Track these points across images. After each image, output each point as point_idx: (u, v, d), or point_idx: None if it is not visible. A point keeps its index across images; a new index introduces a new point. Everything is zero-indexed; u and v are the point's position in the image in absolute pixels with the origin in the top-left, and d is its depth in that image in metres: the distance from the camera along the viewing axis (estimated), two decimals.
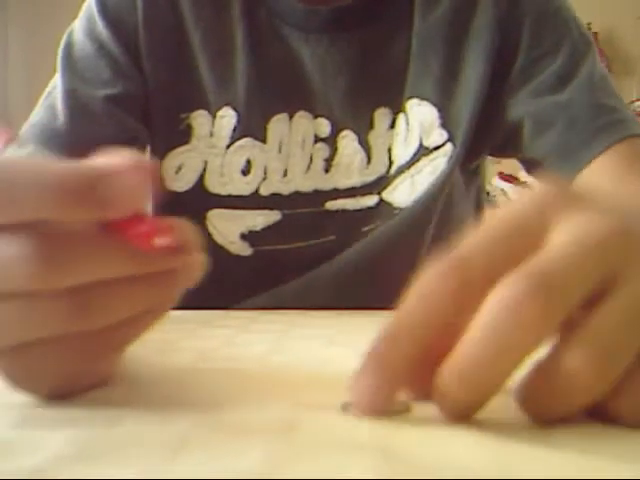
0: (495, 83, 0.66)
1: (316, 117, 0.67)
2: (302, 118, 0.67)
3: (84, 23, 0.68)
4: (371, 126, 0.67)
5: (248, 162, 0.66)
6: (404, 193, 0.67)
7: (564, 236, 0.24)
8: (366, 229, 0.67)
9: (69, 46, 0.68)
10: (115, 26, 0.67)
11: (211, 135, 0.66)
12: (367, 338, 0.24)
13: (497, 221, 0.25)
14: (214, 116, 0.66)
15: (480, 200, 0.78)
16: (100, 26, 0.67)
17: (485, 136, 0.68)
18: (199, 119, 0.67)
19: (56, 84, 0.67)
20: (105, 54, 0.66)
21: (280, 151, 0.66)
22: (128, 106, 0.66)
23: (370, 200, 0.67)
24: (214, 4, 0.67)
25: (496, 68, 0.65)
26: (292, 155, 0.66)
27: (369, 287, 0.66)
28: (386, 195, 0.67)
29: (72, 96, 0.65)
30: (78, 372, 0.28)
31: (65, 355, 0.27)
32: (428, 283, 0.24)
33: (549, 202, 0.26)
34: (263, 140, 0.66)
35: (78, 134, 0.64)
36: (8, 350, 0.26)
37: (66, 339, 0.26)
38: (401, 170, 0.67)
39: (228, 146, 0.66)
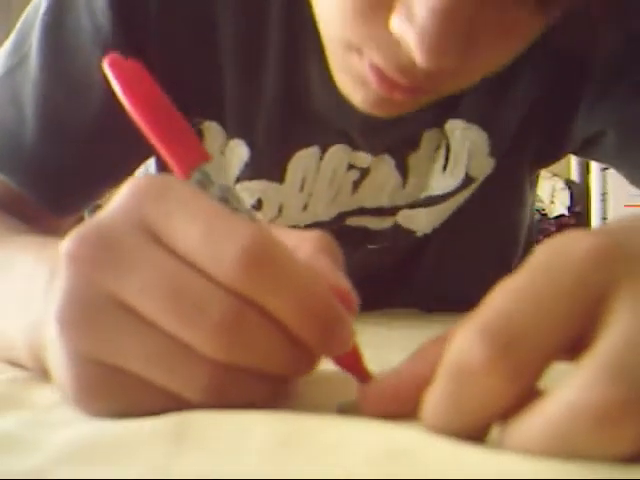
0: (558, 91, 0.57)
1: (355, 150, 0.56)
2: (338, 152, 0.56)
3: None
4: (415, 147, 0.58)
5: (259, 200, 0.57)
6: (423, 220, 0.60)
7: (621, 327, 0.20)
8: (371, 248, 0.62)
9: (63, 5, 0.51)
10: (120, 6, 0.50)
11: (222, 154, 0.56)
12: (371, 339, 0.25)
13: (549, 284, 0.21)
14: (226, 143, 0.56)
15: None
16: (101, 0, 0.50)
17: (551, 150, 0.61)
18: (213, 132, 0.55)
19: (29, 53, 0.51)
20: (101, 42, 0.50)
21: (302, 189, 0.57)
22: (124, 122, 0.49)
23: (390, 221, 0.61)
24: (248, 1, 0.52)
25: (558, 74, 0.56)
26: (316, 192, 0.57)
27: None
28: (401, 218, 0.61)
29: (50, 104, 0.51)
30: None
31: (160, 400, 0.25)
32: (469, 372, 0.21)
33: (610, 264, 0.21)
34: (280, 180, 0.56)
35: (52, 160, 0.52)
36: (112, 367, 0.25)
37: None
38: (435, 201, 0.59)
39: (237, 179, 0.56)
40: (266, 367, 0.25)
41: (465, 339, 0.21)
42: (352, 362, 0.27)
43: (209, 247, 0.24)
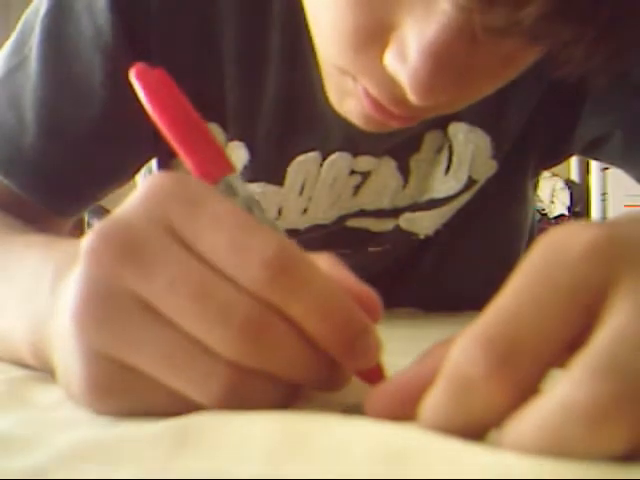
0: (562, 93, 0.56)
1: (357, 155, 0.55)
2: (339, 160, 0.55)
3: None
4: (417, 149, 0.57)
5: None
6: (425, 223, 0.60)
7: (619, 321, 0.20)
8: (372, 250, 0.62)
9: (63, 8, 0.50)
10: (121, 8, 0.49)
11: None
12: None
13: (547, 285, 0.21)
14: (225, 145, 0.55)
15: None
16: (102, 3, 0.49)
17: (555, 152, 0.61)
18: (213, 134, 0.56)
19: (29, 55, 0.51)
20: (101, 46, 0.50)
21: (302, 193, 0.57)
22: (125, 125, 0.51)
23: (392, 224, 0.61)
24: (252, 2, 0.51)
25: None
26: (316, 197, 0.57)
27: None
28: (403, 222, 0.60)
29: (50, 106, 0.51)
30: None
31: (168, 401, 0.25)
32: (469, 382, 0.21)
33: (609, 259, 0.20)
34: (279, 183, 0.56)
35: (52, 163, 0.52)
36: (126, 365, 0.25)
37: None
38: (435, 205, 0.59)
39: None
40: (287, 375, 0.25)
41: (465, 348, 0.21)
42: (375, 377, 0.27)
43: (235, 254, 0.24)
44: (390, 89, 0.38)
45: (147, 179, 0.26)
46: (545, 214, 2.67)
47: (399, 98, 0.38)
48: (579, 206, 2.69)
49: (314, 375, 0.26)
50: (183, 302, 0.24)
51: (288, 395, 0.26)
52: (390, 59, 0.36)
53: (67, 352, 0.26)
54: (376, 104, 0.40)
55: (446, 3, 0.33)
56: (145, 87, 0.27)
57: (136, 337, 0.24)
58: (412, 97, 0.36)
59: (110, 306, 0.24)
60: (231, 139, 0.55)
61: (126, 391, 0.25)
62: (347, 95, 0.42)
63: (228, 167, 0.27)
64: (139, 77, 0.27)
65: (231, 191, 0.27)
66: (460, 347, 0.21)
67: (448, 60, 0.34)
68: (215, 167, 0.27)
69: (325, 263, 0.28)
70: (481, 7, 0.32)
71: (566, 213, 2.68)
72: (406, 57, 0.35)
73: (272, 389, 0.25)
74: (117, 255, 0.24)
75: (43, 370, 0.31)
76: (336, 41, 0.38)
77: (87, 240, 0.25)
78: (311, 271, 0.25)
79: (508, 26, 0.32)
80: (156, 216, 0.25)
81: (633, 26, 0.33)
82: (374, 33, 0.36)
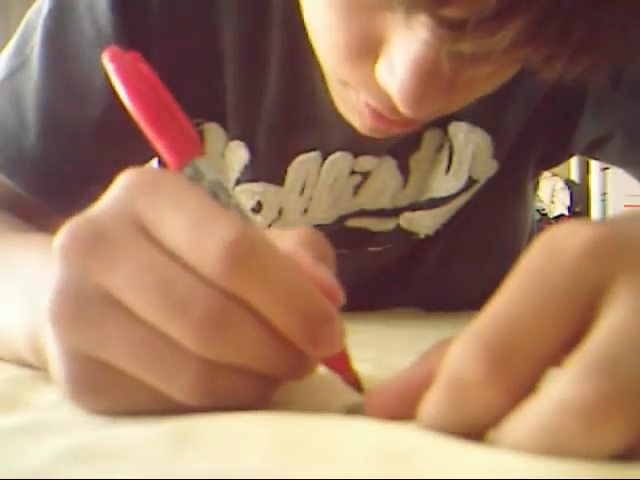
0: (562, 94, 0.56)
1: (357, 155, 0.56)
2: (339, 160, 0.55)
3: None
4: (417, 148, 0.57)
5: (259, 202, 0.57)
6: (425, 222, 0.60)
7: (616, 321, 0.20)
8: (372, 250, 0.61)
9: (64, 8, 0.51)
10: (121, 9, 0.50)
11: (222, 156, 0.56)
12: (371, 339, 0.24)
13: (544, 287, 0.20)
14: (226, 145, 0.55)
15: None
16: (103, 4, 0.50)
17: (555, 152, 0.62)
18: (214, 134, 0.55)
19: (31, 56, 0.52)
20: (102, 46, 0.51)
21: (302, 193, 0.57)
22: (125, 125, 0.50)
23: (392, 223, 0.61)
24: (253, 2, 0.52)
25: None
26: (316, 197, 0.57)
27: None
28: (403, 221, 0.60)
29: (51, 107, 0.52)
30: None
31: (146, 397, 0.25)
32: (466, 386, 0.21)
33: (605, 258, 0.20)
34: (280, 183, 0.56)
35: (53, 163, 0.53)
36: (100, 361, 0.25)
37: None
38: (435, 204, 0.60)
39: (238, 180, 0.56)
40: (253, 365, 0.25)
41: (462, 351, 0.21)
42: (339, 364, 0.27)
43: (193, 242, 0.24)
44: (386, 100, 0.39)
45: (119, 176, 0.26)
46: (545, 214, 2.67)
47: (395, 106, 0.38)
48: (579, 206, 2.69)
49: (281, 365, 0.25)
50: (144, 294, 0.24)
51: (265, 389, 0.26)
52: (380, 72, 0.37)
53: (52, 350, 0.26)
54: (376, 114, 0.40)
55: (424, 32, 0.34)
56: (117, 69, 0.26)
57: (106, 333, 0.24)
58: (402, 109, 0.37)
59: (80, 302, 0.24)
60: (232, 139, 0.55)
61: (108, 388, 0.25)
62: (350, 108, 0.43)
63: (197, 150, 0.27)
64: (112, 60, 0.26)
65: (199, 175, 0.26)
66: (456, 349, 0.21)
67: (433, 75, 0.35)
68: (183, 150, 0.27)
69: (292, 241, 0.28)
70: (452, 37, 0.33)
71: (566, 213, 2.68)
72: (394, 71, 0.36)
73: (245, 383, 0.25)
74: (85, 250, 0.24)
75: (42, 369, 0.31)
76: (332, 54, 0.40)
77: (58, 238, 0.25)
78: (272, 258, 0.24)
79: (481, 52, 0.33)
80: (123, 211, 0.25)
81: (614, 32, 0.33)
82: (365, 47, 0.37)
